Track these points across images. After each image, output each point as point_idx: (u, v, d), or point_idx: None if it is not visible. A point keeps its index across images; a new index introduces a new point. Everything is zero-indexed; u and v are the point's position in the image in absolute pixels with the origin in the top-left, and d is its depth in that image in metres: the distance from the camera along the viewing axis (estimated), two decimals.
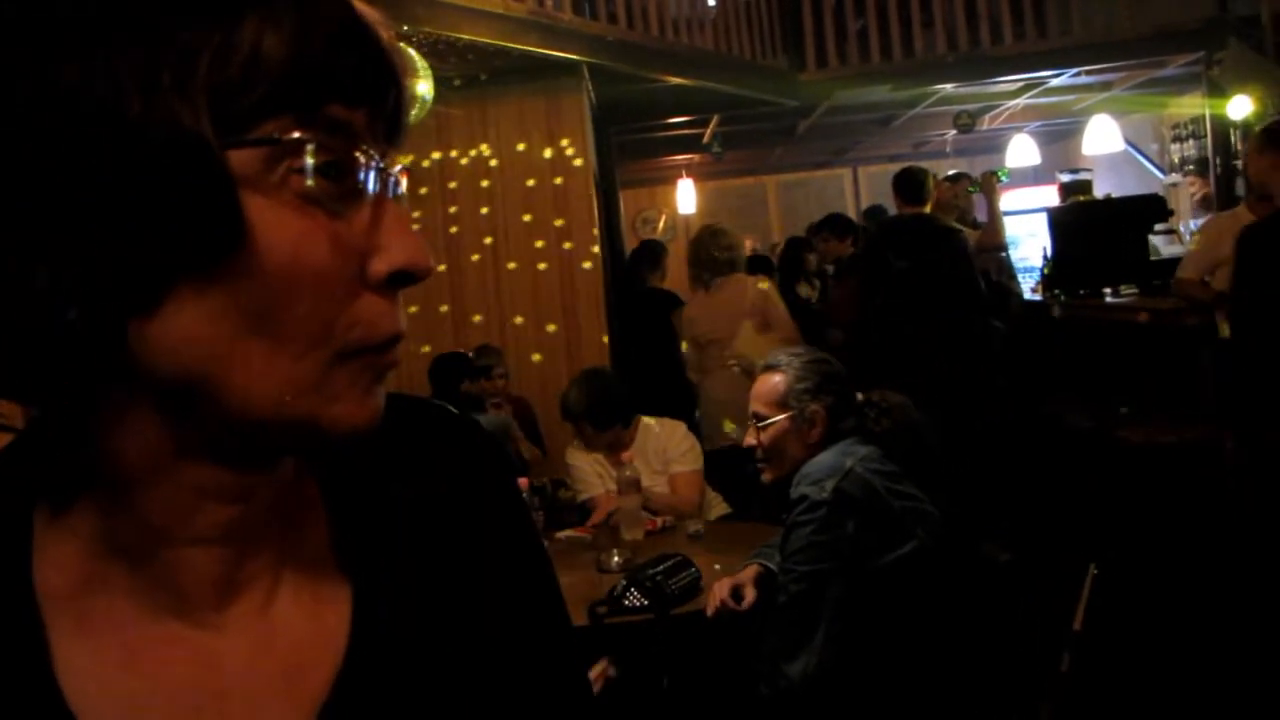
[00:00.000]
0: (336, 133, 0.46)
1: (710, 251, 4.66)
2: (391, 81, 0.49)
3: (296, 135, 0.45)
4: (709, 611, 2.38)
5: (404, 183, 0.51)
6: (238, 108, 0.43)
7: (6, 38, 0.42)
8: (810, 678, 2.12)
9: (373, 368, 0.50)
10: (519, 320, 5.24)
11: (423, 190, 5.11)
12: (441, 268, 5.05)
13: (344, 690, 0.55)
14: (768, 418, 2.41)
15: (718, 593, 2.39)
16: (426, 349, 4.73)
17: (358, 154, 0.47)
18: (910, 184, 4.97)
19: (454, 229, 5.18)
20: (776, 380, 2.42)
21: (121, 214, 0.42)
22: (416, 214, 5.00)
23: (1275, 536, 2.66)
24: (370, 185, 0.48)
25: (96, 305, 0.43)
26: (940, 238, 4.86)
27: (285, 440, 0.51)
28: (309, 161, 0.45)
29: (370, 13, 0.48)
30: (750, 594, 2.37)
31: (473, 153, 5.21)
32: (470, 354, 4.38)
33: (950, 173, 6.46)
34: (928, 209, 4.98)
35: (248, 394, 0.46)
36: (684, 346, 4.84)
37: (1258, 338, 2.74)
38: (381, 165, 0.48)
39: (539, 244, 5.23)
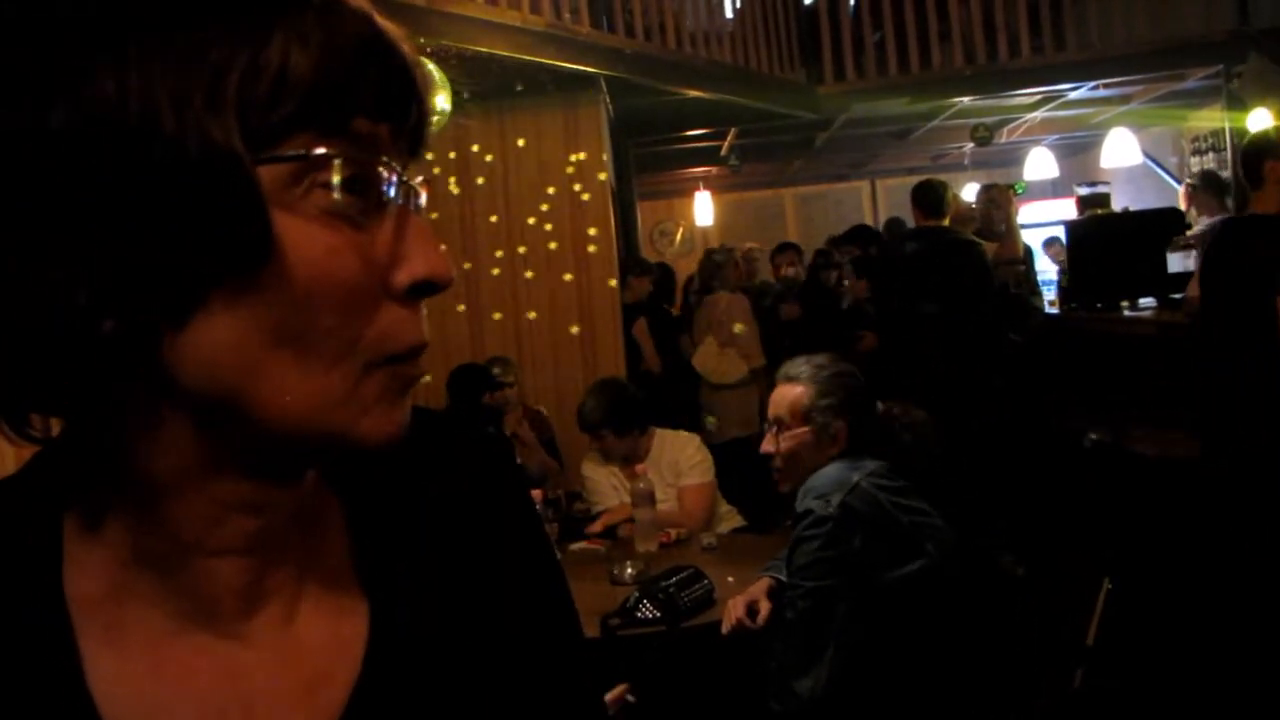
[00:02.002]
0: (361, 147, 0.47)
1: (702, 272, 5.68)
2: (414, 96, 0.50)
3: (323, 151, 0.45)
4: (724, 630, 2.36)
5: (424, 195, 0.52)
6: (266, 124, 0.44)
7: (45, 53, 0.43)
8: (820, 694, 2.11)
9: (399, 378, 0.50)
10: (535, 332, 5.25)
11: (438, 201, 5.13)
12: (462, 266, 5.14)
13: (360, 702, 0.55)
14: (790, 427, 2.37)
15: (732, 611, 2.36)
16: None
17: (381, 168, 0.48)
18: (928, 197, 4.96)
19: (470, 240, 5.19)
20: (799, 391, 2.37)
21: (156, 227, 0.43)
22: (434, 215, 5.02)
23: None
24: (392, 198, 0.49)
25: (132, 317, 0.44)
26: (956, 250, 4.85)
27: (314, 451, 0.52)
28: (335, 176, 0.46)
29: (392, 28, 0.49)
30: (765, 609, 2.35)
31: (490, 165, 5.23)
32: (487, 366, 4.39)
33: (984, 184, 6.45)
34: (946, 222, 4.97)
35: (279, 405, 0.47)
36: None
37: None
38: (403, 178, 0.49)
39: (556, 256, 5.24)
